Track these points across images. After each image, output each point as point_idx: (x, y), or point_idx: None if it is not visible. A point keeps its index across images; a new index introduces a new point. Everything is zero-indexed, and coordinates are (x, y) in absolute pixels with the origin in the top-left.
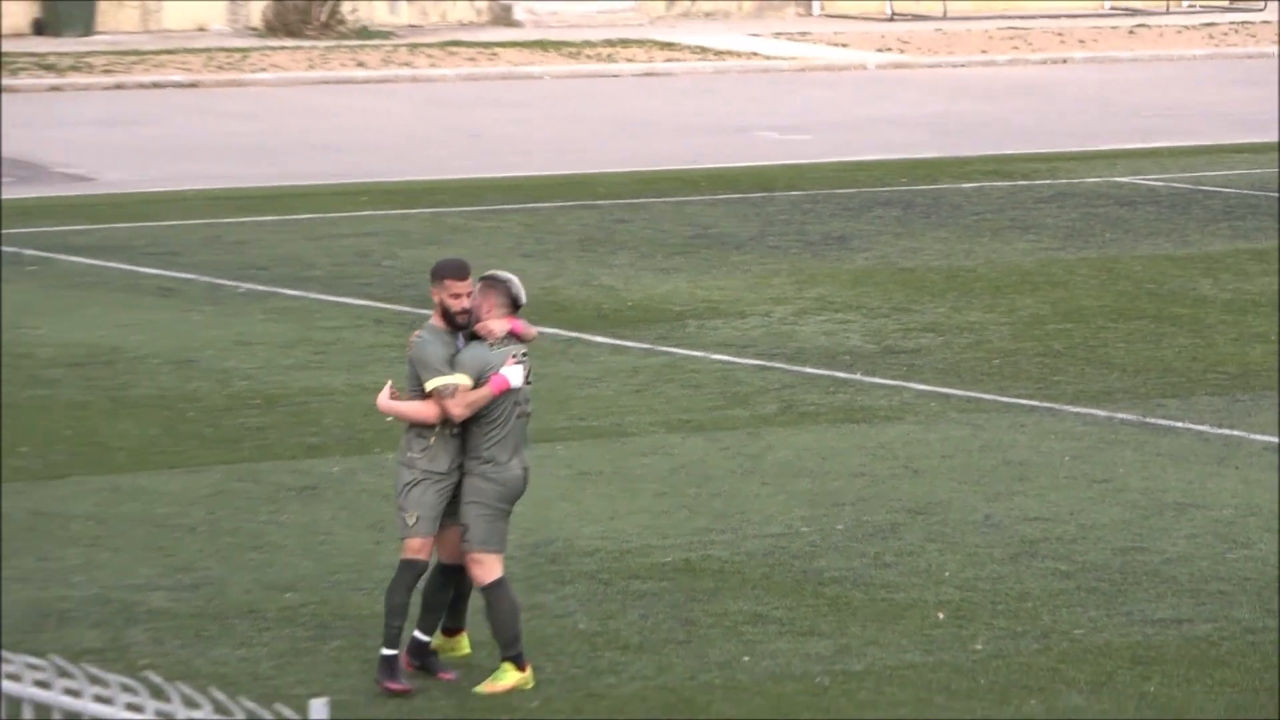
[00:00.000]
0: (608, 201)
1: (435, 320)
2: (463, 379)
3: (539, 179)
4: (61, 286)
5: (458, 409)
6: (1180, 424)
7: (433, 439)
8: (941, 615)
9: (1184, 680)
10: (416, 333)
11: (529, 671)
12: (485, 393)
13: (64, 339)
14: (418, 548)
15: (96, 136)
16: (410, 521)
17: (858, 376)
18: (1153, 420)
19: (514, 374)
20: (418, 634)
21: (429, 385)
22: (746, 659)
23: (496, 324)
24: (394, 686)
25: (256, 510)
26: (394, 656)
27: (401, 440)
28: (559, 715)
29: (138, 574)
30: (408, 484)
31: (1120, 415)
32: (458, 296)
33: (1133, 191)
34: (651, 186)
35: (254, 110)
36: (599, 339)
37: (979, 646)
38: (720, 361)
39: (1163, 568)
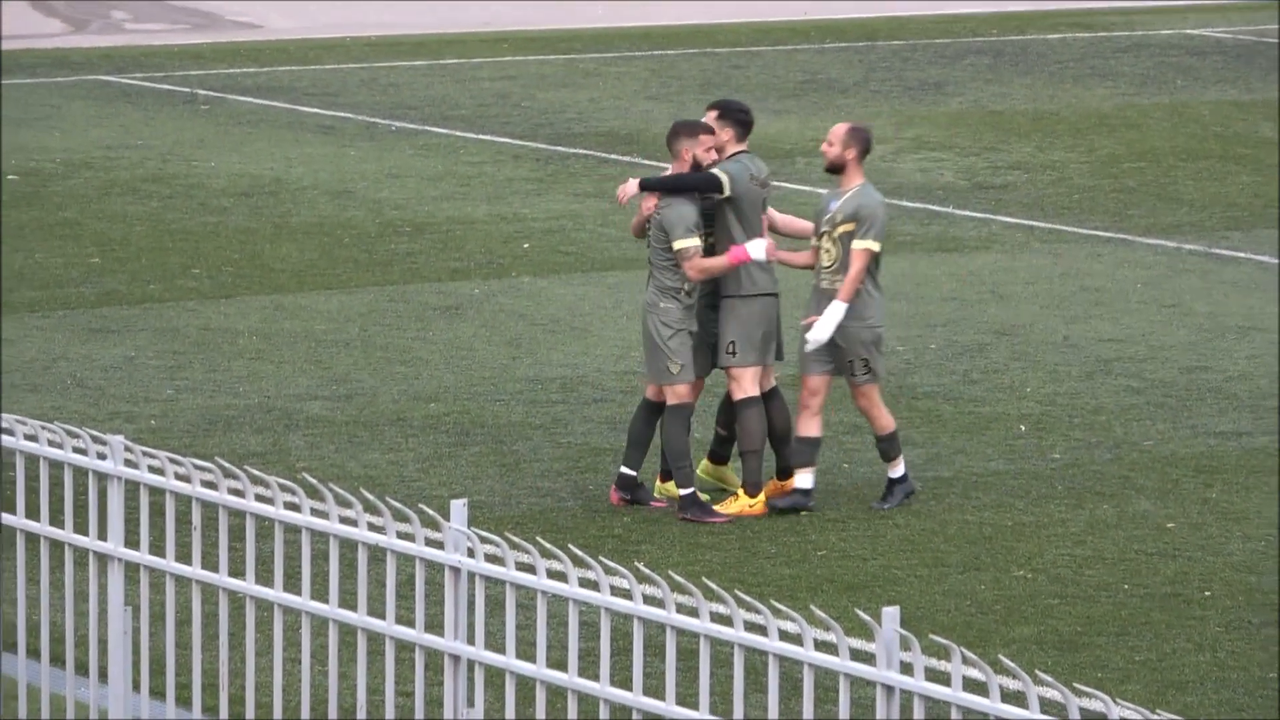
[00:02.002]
0: (726, 49)
1: None
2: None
3: (664, 28)
4: (231, 124)
5: (693, 272)
6: (1242, 254)
7: (683, 295)
8: (1023, 427)
9: (1243, 488)
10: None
11: (760, 498)
12: (722, 262)
13: (233, 171)
14: (684, 393)
15: None
16: (675, 370)
17: (950, 209)
18: (1217, 251)
19: (755, 248)
20: (625, 469)
21: (677, 245)
22: (846, 466)
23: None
24: (712, 519)
25: (405, 327)
26: (693, 493)
27: (649, 293)
28: (666, 514)
29: (297, 384)
30: (670, 335)
31: (1188, 246)
32: (710, 150)
33: (1202, 42)
34: (766, 35)
35: None
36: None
37: (1057, 456)
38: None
39: (1224, 385)
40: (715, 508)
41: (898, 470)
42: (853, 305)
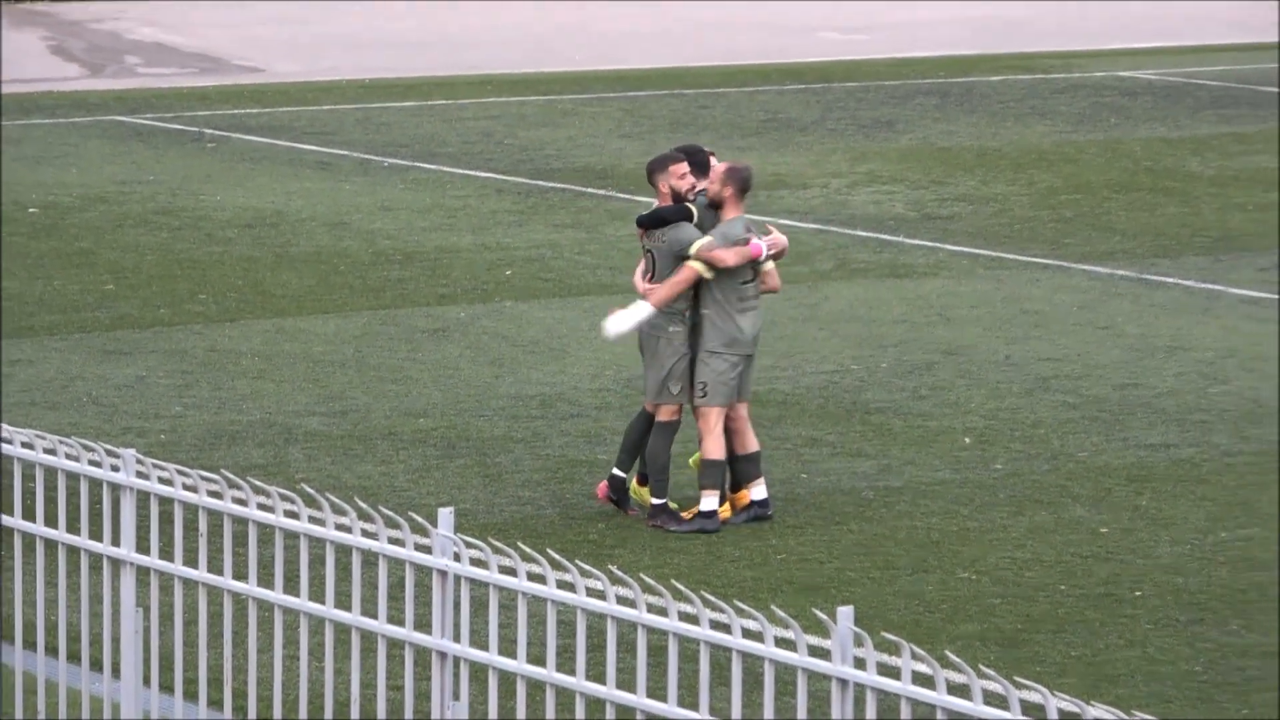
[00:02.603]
0: (693, 91)
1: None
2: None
3: (636, 71)
4: (236, 160)
5: (731, 258)
6: (1170, 279)
7: (683, 317)
8: (968, 440)
9: (1171, 495)
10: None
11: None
12: (746, 251)
13: (237, 204)
14: (676, 411)
15: (267, 34)
16: (675, 390)
17: (900, 238)
18: (1147, 276)
19: (761, 244)
20: (616, 470)
21: (693, 249)
22: (804, 476)
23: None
24: (674, 527)
25: (396, 349)
26: (665, 503)
27: (655, 318)
28: (637, 522)
29: (296, 401)
30: (676, 358)
31: (1120, 272)
32: (683, 177)
33: (1133, 84)
34: (731, 78)
35: (399, 12)
36: None
37: (999, 466)
38: (785, 225)
39: (1154, 401)
40: (683, 515)
41: (708, 503)
42: (703, 329)
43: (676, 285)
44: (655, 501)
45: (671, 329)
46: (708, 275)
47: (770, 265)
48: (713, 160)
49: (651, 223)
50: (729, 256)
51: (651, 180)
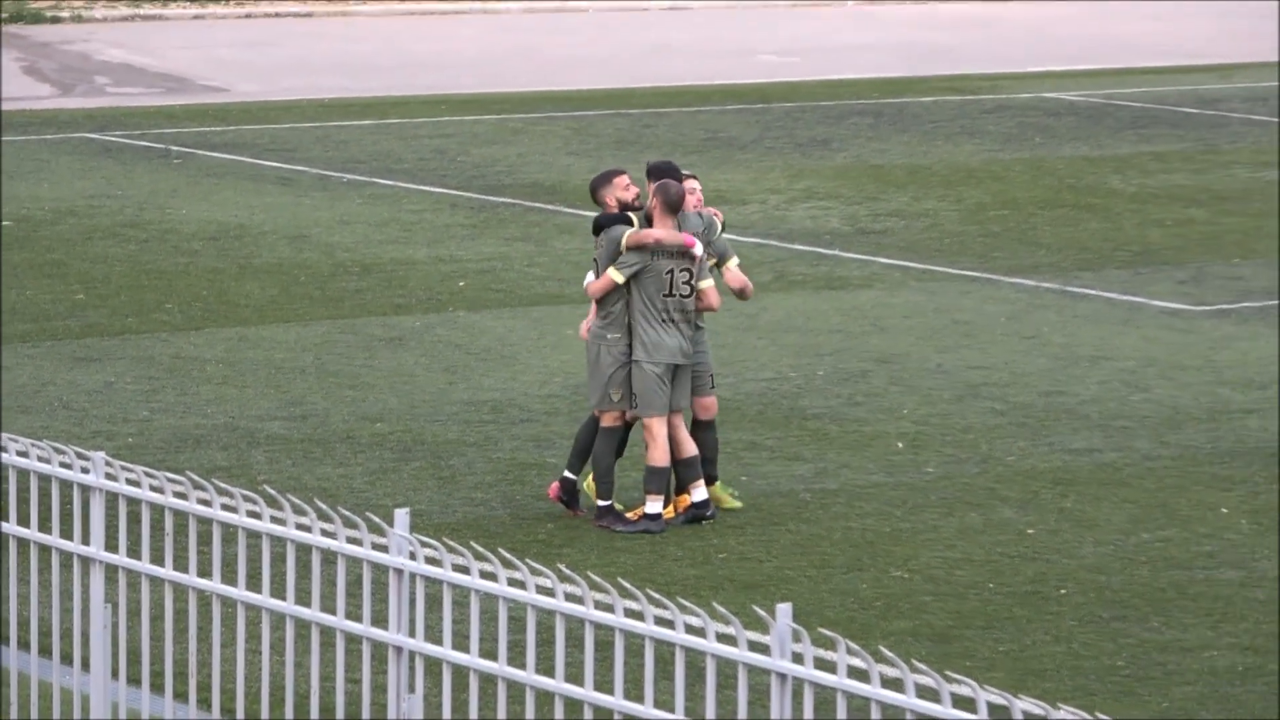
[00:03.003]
0: (638, 110)
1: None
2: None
3: (583, 92)
4: (201, 176)
5: (650, 237)
6: (1093, 291)
7: (621, 325)
8: (901, 445)
9: (1094, 498)
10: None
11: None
12: (678, 237)
13: (202, 218)
14: (616, 417)
15: (230, 56)
16: (615, 398)
17: (836, 252)
18: (1071, 289)
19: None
20: (567, 473)
21: (623, 241)
22: (744, 479)
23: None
24: (619, 528)
25: (354, 356)
26: (610, 504)
27: (596, 325)
28: (585, 522)
29: (259, 407)
30: (615, 366)
31: (1045, 284)
32: (627, 188)
33: (1057, 105)
34: (674, 98)
35: (357, 35)
36: None
37: (930, 470)
38: (726, 239)
39: (1078, 407)
40: (628, 515)
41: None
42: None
43: (598, 285)
44: (601, 503)
45: (610, 336)
46: (621, 281)
47: (708, 284)
48: (692, 181)
49: (594, 229)
50: (648, 236)
51: (596, 197)
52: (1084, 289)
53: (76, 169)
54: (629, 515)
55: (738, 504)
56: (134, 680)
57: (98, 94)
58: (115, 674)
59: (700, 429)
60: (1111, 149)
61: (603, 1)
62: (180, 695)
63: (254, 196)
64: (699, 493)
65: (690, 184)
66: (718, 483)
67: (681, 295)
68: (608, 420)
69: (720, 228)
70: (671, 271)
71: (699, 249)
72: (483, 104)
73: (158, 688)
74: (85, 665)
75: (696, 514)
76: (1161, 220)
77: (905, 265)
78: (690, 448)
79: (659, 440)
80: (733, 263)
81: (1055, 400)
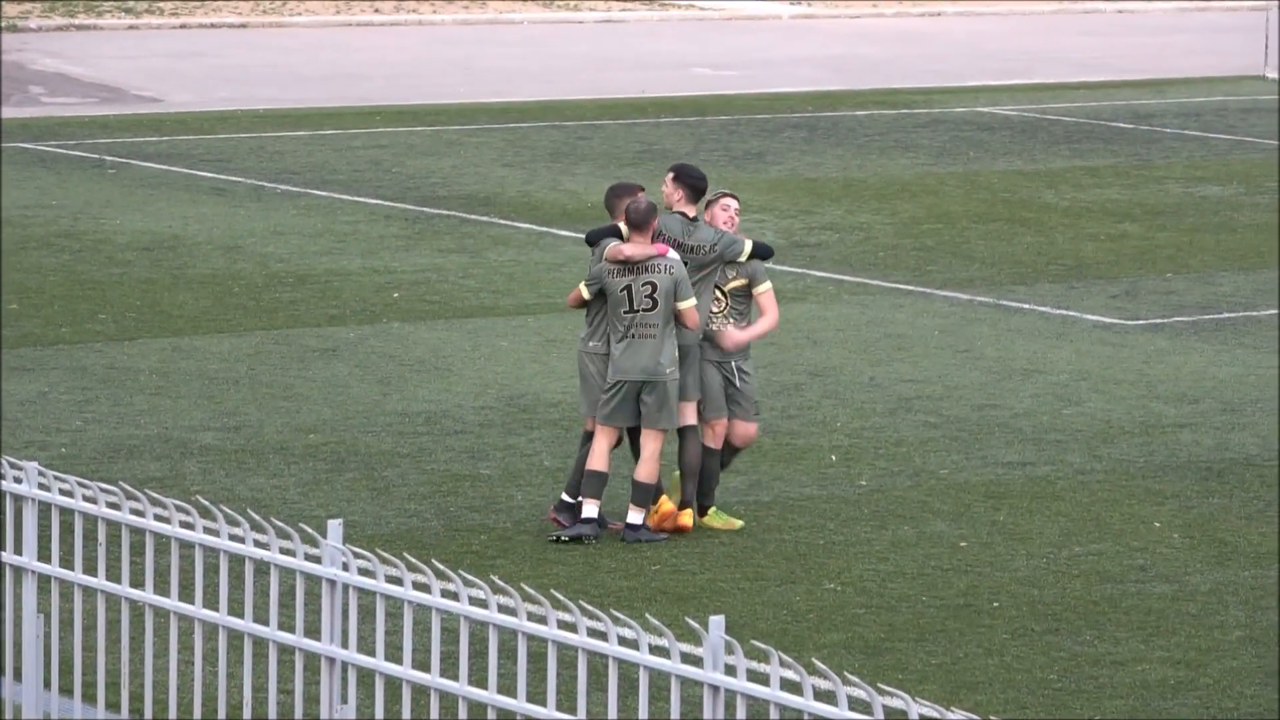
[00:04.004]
0: (573, 122)
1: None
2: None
3: (518, 103)
4: (135, 186)
5: (612, 254)
6: (1027, 305)
7: (599, 334)
8: (834, 457)
9: (1027, 511)
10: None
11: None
12: (647, 249)
13: (136, 228)
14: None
15: (165, 66)
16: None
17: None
18: (1004, 302)
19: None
20: (565, 495)
21: (605, 252)
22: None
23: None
24: (648, 538)
25: (288, 367)
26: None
27: (579, 336)
28: (527, 533)
29: (192, 417)
30: (599, 376)
31: (979, 298)
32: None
33: (991, 119)
34: (608, 111)
35: (292, 46)
36: (564, 233)
37: (863, 483)
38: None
39: (1011, 421)
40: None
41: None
42: None
43: (570, 297)
44: (583, 506)
45: (590, 344)
46: (586, 296)
47: (688, 304)
48: (728, 199)
49: (588, 241)
50: (619, 252)
51: (610, 206)
52: (1017, 303)
53: (11, 179)
54: (614, 525)
55: (738, 523)
56: (66, 690)
57: (32, 104)
58: (48, 684)
59: (727, 451)
60: (1045, 163)
61: (536, 13)
62: (113, 705)
63: (188, 207)
64: (589, 509)
65: (726, 201)
66: (712, 509)
67: (644, 309)
68: (590, 425)
69: (747, 249)
70: (629, 288)
71: (671, 255)
72: (417, 115)
73: (90, 698)
74: (18, 675)
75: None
76: (1095, 235)
77: (839, 279)
78: (597, 464)
79: (598, 445)
80: (760, 288)
81: (988, 414)
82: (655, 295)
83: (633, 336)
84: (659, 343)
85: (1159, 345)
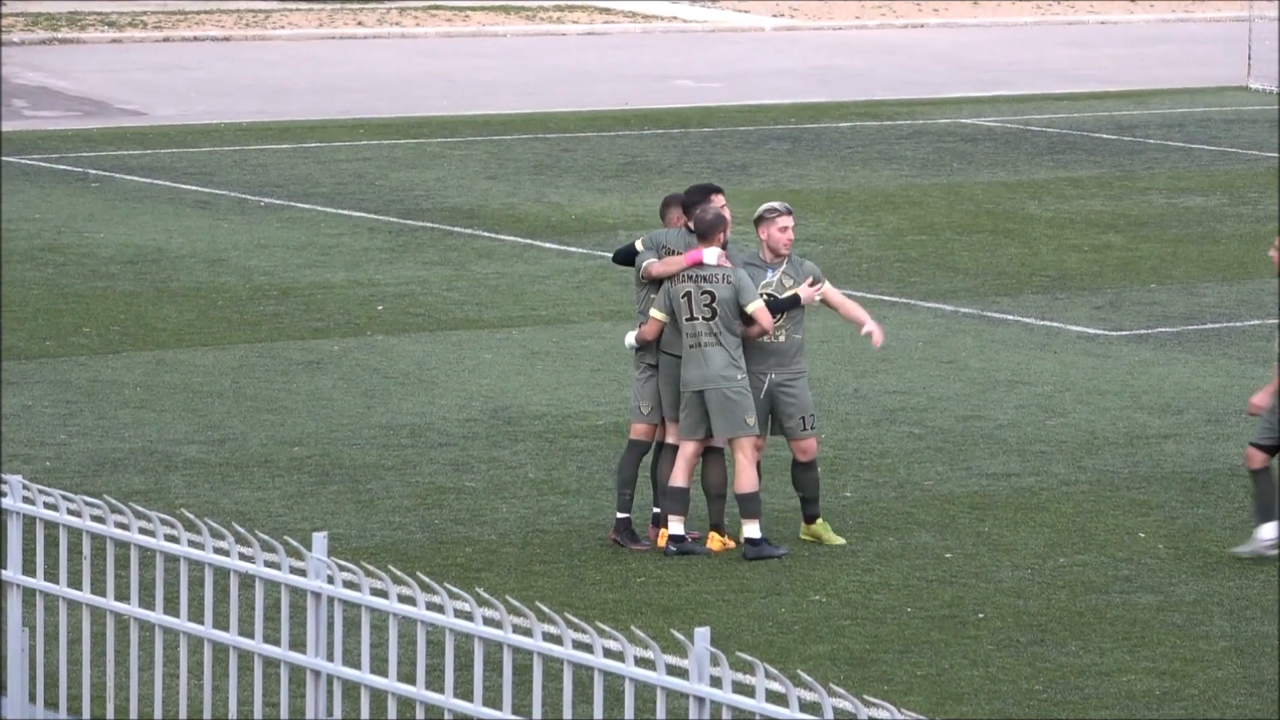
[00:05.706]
0: (556, 135)
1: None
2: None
3: (501, 116)
4: (119, 200)
5: (655, 269)
6: (1010, 317)
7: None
8: (819, 469)
9: (1011, 522)
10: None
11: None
12: (677, 262)
13: (120, 241)
14: (643, 431)
15: (148, 80)
16: (644, 410)
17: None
18: (988, 314)
19: (709, 254)
20: (655, 509)
21: (642, 270)
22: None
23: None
24: (635, 546)
25: (272, 380)
26: (627, 519)
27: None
28: (512, 545)
29: (176, 430)
30: (644, 380)
31: (963, 309)
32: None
33: (974, 130)
34: (592, 123)
35: (275, 60)
36: (548, 245)
37: (848, 494)
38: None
39: (995, 432)
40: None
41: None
42: None
43: (648, 329)
44: (619, 515)
45: (636, 349)
46: (663, 319)
47: (755, 306)
48: (784, 218)
49: (618, 260)
50: (652, 270)
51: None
52: (1001, 314)
53: None
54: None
55: (840, 540)
56: (51, 704)
57: (15, 117)
58: (33, 698)
59: (797, 469)
60: (1028, 175)
61: (519, 26)
62: (97, 718)
63: (172, 220)
64: (676, 526)
65: (782, 221)
66: (818, 520)
67: (704, 318)
68: (634, 433)
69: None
70: (689, 294)
71: (710, 257)
72: (401, 128)
73: (75, 711)
74: (2, 689)
75: (681, 548)
76: (1078, 246)
77: None
78: (679, 480)
79: (678, 461)
80: (749, 306)
81: (972, 425)
82: (714, 304)
83: (694, 346)
84: (720, 351)
85: (1143, 356)
